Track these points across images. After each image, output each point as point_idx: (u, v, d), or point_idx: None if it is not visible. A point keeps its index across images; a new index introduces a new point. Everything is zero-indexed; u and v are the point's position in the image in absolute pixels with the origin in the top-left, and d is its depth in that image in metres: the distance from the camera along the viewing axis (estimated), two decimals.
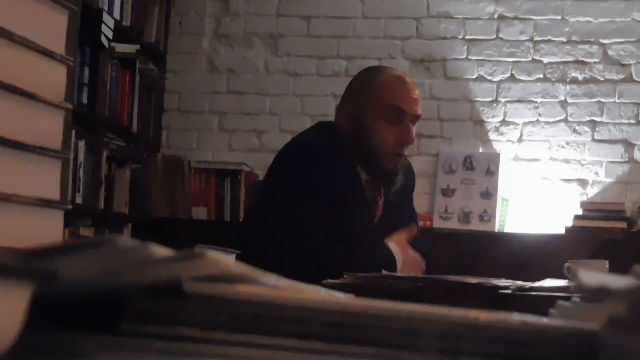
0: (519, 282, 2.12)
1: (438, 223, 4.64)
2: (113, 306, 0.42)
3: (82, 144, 4.05)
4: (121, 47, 4.39)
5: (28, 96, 0.86)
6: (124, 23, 4.45)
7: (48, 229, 0.88)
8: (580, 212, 4.49)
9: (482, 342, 0.46)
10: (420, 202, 4.05)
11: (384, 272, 2.14)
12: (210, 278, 0.43)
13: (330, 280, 2.01)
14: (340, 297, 0.50)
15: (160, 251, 0.39)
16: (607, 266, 2.56)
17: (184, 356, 0.42)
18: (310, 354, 0.44)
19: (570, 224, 4.45)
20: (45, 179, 0.88)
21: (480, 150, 4.76)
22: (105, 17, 4.16)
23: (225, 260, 0.43)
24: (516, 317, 0.48)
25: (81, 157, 4.05)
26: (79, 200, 3.99)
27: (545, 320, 0.49)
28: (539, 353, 0.47)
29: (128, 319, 0.43)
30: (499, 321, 0.47)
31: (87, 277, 0.38)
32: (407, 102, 2.60)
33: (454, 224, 4.63)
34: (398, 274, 2.38)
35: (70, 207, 0.88)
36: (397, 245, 2.57)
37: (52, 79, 0.90)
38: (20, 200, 0.84)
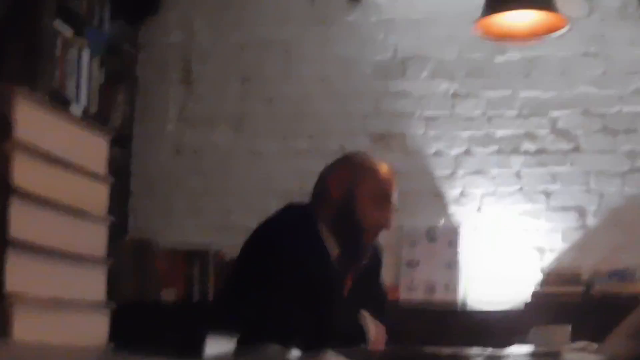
0: (489, 350, 2.26)
1: (405, 294, 4.73)
2: None
3: None
4: None
5: (81, 214, 0.98)
6: (91, 110, 4.54)
7: (97, 326, 1.00)
8: (540, 278, 4.64)
9: None
10: (385, 274, 4.14)
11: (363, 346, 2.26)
12: None
13: None
14: None
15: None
16: (569, 330, 2.70)
17: None
18: None
19: (532, 289, 4.59)
20: (93, 283, 1.00)
21: (442, 222, 4.87)
22: (74, 108, 4.26)
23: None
24: None
25: None
26: None
27: None
28: None
29: None
30: None
31: None
32: (393, 195, 2.80)
33: (420, 295, 4.73)
34: (379, 347, 2.49)
35: (115, 307, 1.00)
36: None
37: (97, 196, 1.03)
38: (77, 303, 0.96)
